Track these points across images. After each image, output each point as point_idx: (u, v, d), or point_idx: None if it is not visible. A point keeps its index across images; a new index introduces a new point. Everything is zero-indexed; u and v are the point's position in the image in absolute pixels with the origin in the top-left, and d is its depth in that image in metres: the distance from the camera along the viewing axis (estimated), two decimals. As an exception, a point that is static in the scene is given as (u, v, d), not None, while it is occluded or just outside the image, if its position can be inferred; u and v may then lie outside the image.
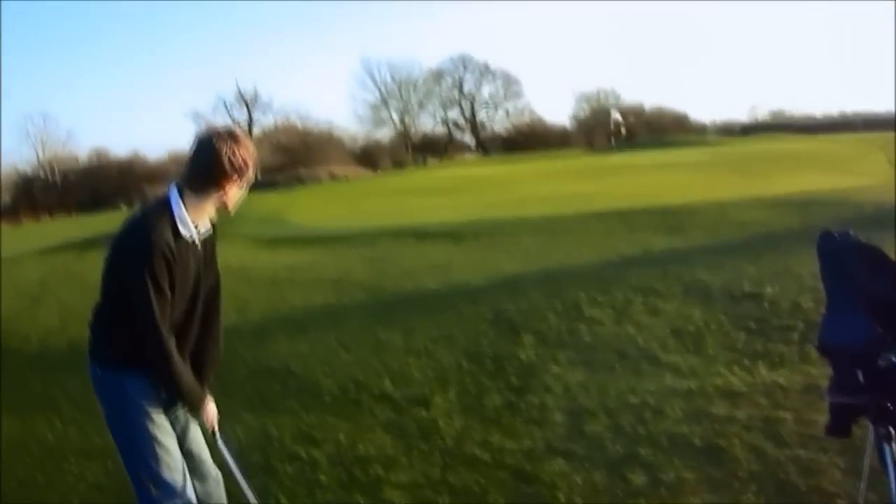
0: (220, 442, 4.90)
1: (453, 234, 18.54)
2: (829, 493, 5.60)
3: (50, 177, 73.61)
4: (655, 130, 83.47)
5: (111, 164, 75.86)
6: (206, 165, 4.40)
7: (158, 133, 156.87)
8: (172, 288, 4.36)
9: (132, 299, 4.31)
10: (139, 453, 4.53)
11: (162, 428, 4.58)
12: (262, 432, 7.61)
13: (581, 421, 7.24)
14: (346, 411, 8.05)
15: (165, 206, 4.40)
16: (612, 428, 7.04)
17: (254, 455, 6.74)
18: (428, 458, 6.73)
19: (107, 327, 4.60)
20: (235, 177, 4.43)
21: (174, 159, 77.10)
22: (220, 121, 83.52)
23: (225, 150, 4.36)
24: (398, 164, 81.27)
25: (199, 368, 4.76)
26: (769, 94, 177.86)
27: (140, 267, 4.25)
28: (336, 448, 7.15)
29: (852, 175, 24.40)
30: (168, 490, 4.54)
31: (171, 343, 4.41)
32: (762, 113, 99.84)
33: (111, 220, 37.63)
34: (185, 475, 4.64)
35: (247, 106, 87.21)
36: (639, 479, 6.05)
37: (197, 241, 4.52)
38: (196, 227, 4.49)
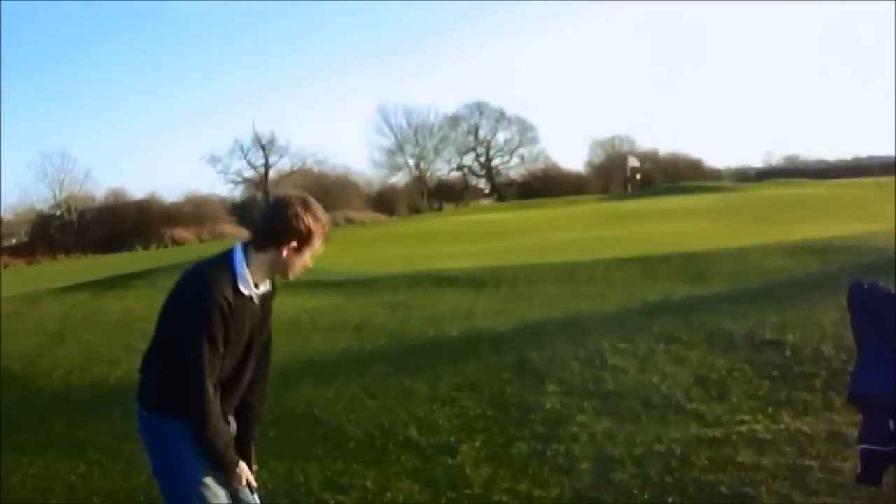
0: (255, 499, 4.93)
1: (474, 281, 18.59)
2: (856, 540, 5.64)
3: (67, 215, 73.98)
4: (670, 176, 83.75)
5: (128, 204, 76.29)
6: (271, 224, 4.50)
7: (176, 175, 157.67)
8: (226, 344, 4.42)
9: (186, 351, 4.36)
10: (187, 498, 4.55)
11: (211, 473, 4.61)
12: (288, 479, 7.66)
13: (608, 469, 7.28)
14: (372, 458, 8.10)
15: (228, 260, 4.48)
16: (639, 476, 7.08)
17: (282, 502, 6.79)
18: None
19: (157, 373, 4.62)
20: (295, 241, 4.48)
21: (191, 201, 77.66)
22: (238, 164, 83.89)
23: (291, 213, 4.45)
24: (414, 210, 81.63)
25: (243, 426, 4.85)
26: (782, 138, 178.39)
27: (198, 320, 4.32)
28: (364, 495, 7.21)
29: (870, 220, 24.38)
30: None
31: (216, 402, 4.45)
32: (776, 158, 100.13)
33: (128, 261, 37.89)
34: None
35: (263, 149, 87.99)
36: (668, 527, 6.10)
37: (255, 299, 4.57)
38: (256, 284, 4.55)
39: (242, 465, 4.74)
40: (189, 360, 4.36)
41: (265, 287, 4.66)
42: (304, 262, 4.60)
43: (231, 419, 4.78)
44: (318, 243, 4.57)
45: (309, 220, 4.48)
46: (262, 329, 4.76)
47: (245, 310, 4.51)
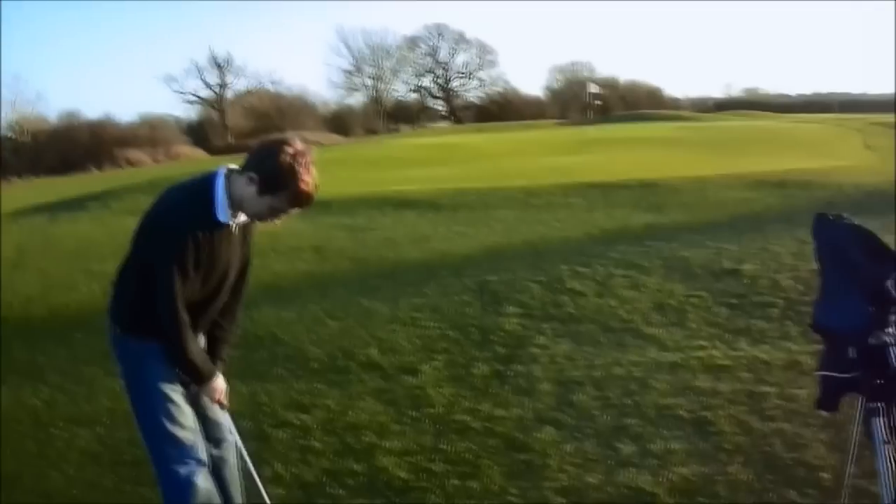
0: (227, 417, 4.99)
1: (432, 204, 18.57)
2: (813, 465, 5.76)
3: (19, 138, 72.68)
4: (629, 104, 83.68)
5: (82, 126, 75.09)
6: (259, 157, 4.38)
7: (131, 96, 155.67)
8: (198, 269, 4.40)
9: (156, 278, 4.34)
10: (154, 413, 4.58)
11: (177, 390, 4.65)
12: (251, 400, 7.67)
13: (569, 391, 7.38)
14: (334, 379, 8.13)
15: (208, 188, 4.39)
16: (599, 399, 7.19)
17: (245, 422, 6.79)
18: (419, 426, 6.84)
19: (129, 293, 4.60)
20: (270, 180, 4.33)
21: (146, 122, 76.68)
22: (193, 85, 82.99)
23: (283, 154, 4.31)
24: (370, 131, 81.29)
25: (214, 345, 4.88)
26: (743, 70, 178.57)
27: (169, 249, 4.29)
28: (327, 414, 7.25)
29: (829, 156, 24.53)
30: (181, 449, 4.60)
31: (186, 323, 4.44)
32: (736, 90, 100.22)
33: (82, 184, 37.58)
34: (198, 435, 4.71)
35: (220, 69, 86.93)
36: (628, 448, 6.20)
37: (233, 227, 4.52)
38: (235, 213, 4.47)
39: (220, 378, 4.79)
40: (159, 287, 4.34)
41: (245, 214, 4.57)
42: (268, 205, 4.42)
43: (201, 336, 4.79)
44: (283, 198, 4.39)
45: (287, 169, 4.31)
46: (240, 255, 4.73)
47: (221, 238, 4.47)
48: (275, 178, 4.30)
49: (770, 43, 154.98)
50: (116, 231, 17.75)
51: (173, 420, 4.58)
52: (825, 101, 78.08)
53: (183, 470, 4.60)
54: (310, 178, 4.34)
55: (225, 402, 4.86)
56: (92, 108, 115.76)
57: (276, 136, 4.57)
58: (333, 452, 6.50)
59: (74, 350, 9.66)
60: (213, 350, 4.84)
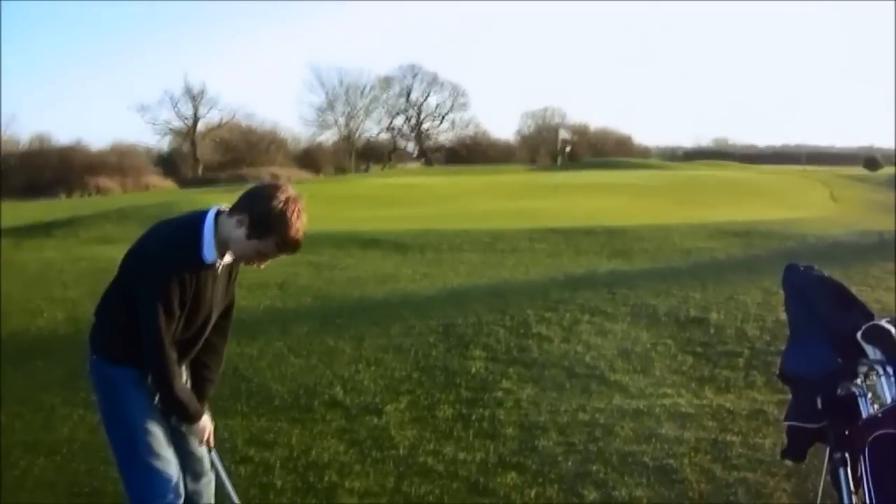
0: (214, 457, 4.96)
1: (398, 245, 18.63)
2: (776, 515, 5.75)
3: (-12, 159, 72.07)
4: (599, 151, 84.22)
5: (52, 150, 74.79)
6: (259, 215, 4.34)
7: (102, 124, 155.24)
8: (183, 307, 4.38)
9: (141, 313, 4.33)
10: (130, 443, 4.54)
11: (157, 421, 4.60)
12: (214, 435, 7.62)
13: (533, 436, 7.35)
14: (297, 416, 8.08)
15: (197, 226, 4.39)
16: (563, 444, 7.16)
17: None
18: (382, 467, 6.79)
19: (111, 321, 4.59)
20: (260, 223, 4.33)
21: (116, 150, 76.44)
22: (166, 115, 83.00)
23: (276, 199, 4.31)
24: (340, 170, 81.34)
25: (199, 384, 4.85)
26: (713, 121, 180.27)
27: (155, 284, 4.28)
28: (289, 452, 7.18)
29: (794, 207, 24.76)
30: (159, 482, 4.55)
31: (173, 361, 4.44)
32: (705, 140, 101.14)
33: (49, 208, 37.30)
34: (175, 467, 4.66)
35: (193, 101, 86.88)
36: (592, 495, 6.18)
37: (219, 267, 4.52)
38: (222, 253, 4.47)
39: (207, 417, 4.77)
40: (144, 322, 4.33)
41: (231, 255, 4.57)
42: (256, 248, 4.42)
43: (185, 372, 4.77)
44: (271, 243, 4.39)
45: (297, 230, 4.34)
46: (225, 294, 4.72)
47: (206, 277, 4.46)
48: (265, 223, 4.31)
49: (740, 95, 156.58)
50: (82, 258, 17.68)
51: (150, 451, 4.54)
52: (793, 153, 78.93)
53: (156, 502, 4.56)
54: (300, 225, 4.35)
55: (212, 441, 4.84)
56: (63, 132, 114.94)
57: (269, 180, 4.66)
58: (294, 491, 6.45)
59: (34, 377, 9.57)
60: (198, 389, 4.81)
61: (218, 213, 4.44)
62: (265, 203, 4.30)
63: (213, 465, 4.96)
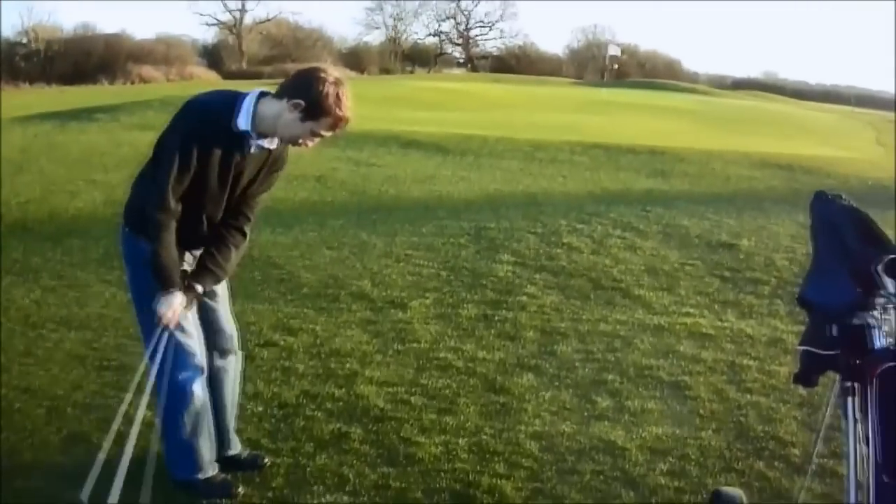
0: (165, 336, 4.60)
1: (439, 147, 18.68)
2: (784, 441, 5.82)
3: (33, 44, 71.76)
4: (647, 72, 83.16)
5: (97, 37, 74.29)
6: (296, 81, 4.43)
7: (149, 13, 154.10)
8: (205, 180, 4.40)
9: (156, 158, 4.41)
10: (152, 315, 4.51)
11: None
12: (240, 318, 7.65)
13: (553, 341, 7.46)
14: (323, 305, 8.20)
15: (237, 97, 4.43)
16: (581, 351, 7.27)
17: (232, 339, 6.85)
18: (402, 359, 6.91)
19: (140, 191, 4.60)
20: (304, 104, 4.34)
21: (161, 40, 76.01)
22: (213, 7, 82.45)
23: (319, 80, 4.35)
24: (385, 71, 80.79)
25: (197, 267, 4.73)
26: (765, 54, 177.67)
27: (177, 138, 4.31)
28: (313, 339, 7.32)
29: (839, 147, 24.53)
30: (181, 355, 4.60)
31: (169, 219, 4.40)
32: (755, 71, 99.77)
33: (92, 95, 37.45)
34: (198, 341, 4.73)
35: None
36: (605, 402, 6.26)
37: (252, 143, 4.46)
38: (261, 133, 4.46)
39: (177, 297, 4.52)
40: (157, 171, 4.38)
41: (272, 143, 4.55)
42: (310, 129, 4.43)
43: (189, 255, 4.76)
44: (325, 124, 4.42)
45: (331, 96, 4.33)
46: (256, 179, 4.66)
47: (233, 147, 4.44)
48: (319, 105, 4.34)
49: (794, 30, 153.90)
50: (123, 143, 17.78)
51: (176, 325, 4.55)
52: (842, 94, 77.68)
53: (181, 376, 4.63)
54: (349, 104, 4.41)
55: (170, 324, 4.51)
56: (108, 23, 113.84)
57: (312, 64, 4.60)
58: (315, 376, 6.56)
59: (70, 255, 9.74)
60: (195, 273, 4.71)
61: (261, 95, 4.46)
62: (316, 86, 4.33)
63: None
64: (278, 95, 4.43)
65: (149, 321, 4.56)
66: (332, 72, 4.43)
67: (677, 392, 6.54)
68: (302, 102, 4.34)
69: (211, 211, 4.63)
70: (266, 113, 4.42)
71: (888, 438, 3.78)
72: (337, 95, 4.35)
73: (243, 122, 4.40)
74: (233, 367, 5.11)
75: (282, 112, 4.39)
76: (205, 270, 4.72)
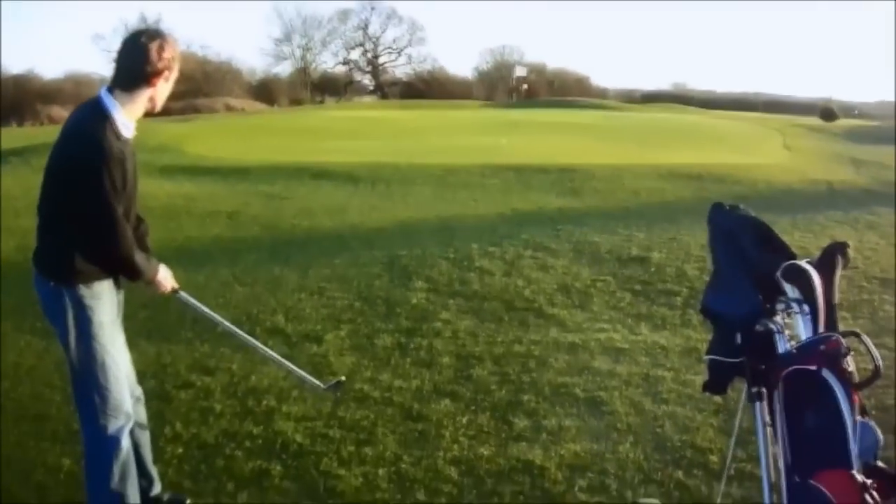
0: (183, 295, 5.18)
1: (350, 177, 18.74)
2: (701, 448, 5.93)
3: (-61, 87, 70.60)
4: (556, 91, 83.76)
5: (6, 79, 73.30)
6: (136, 64, 4.47)
7: (57, 53, 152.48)
8: (125, 188, 4.46)
9: (92, 210, 4.38)
10: (90, 366, 4.58)
11: (116, 343, 4.69)
12: (157, 360, 7.70)
13: (468, 366, 7.52)
14: (239, 343, 8.12)
15: (102, 111, 4.47)
16: (497, 374, 7.33)
17: (149, 382, 6.78)
18: (319, 393, 6.91)
19: (63, 239, 4.55)
20: (166, 72, 4.53)
21: (71, 79, 75.05)
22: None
23: (153, 47, 4.46)
24: (295, 102, 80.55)
25: (140, 240, 4.83)
26: (672, 65, 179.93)
27: (98, 179, 4.31)
28: (230, 378, 7.29)
29: (748, 154, 24.95)
30: (113, 405, 4.64)
31: (129, 234, 4.53)
32: (664, 83, 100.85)
33: (2, 138, 36.71)
34: (130, 385, 4.79)
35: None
36: (522, 423, 6.32)
37: (131, 140, 4.60)
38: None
39: (163, 270, 4.88)
40: (98, 215, 4.39)
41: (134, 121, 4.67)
42: (168, 89, 4.66)
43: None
44: (177, 68, 4.63)
45: (170, 49, 4.54)
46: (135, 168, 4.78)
47: (128, 151, 4.53)
48: (166, 67, 4.58)
49: (700, 40, 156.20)
50: (34, 187, 17.45)
51: (109, 375, 4.61)
52: (750, 101, 78.89)
53: (111, 426, 4.64)
54: (174, 43, 4.67)
55: (176, 284, 5.03)
56: (16, 63, 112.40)
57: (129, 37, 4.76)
58: (233, 415, 6.55)
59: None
60: (141, 245, 4.80)
61: (111, 90, 4.56)
62: (138, 52, 4.51)
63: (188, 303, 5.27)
64: (133, 86, 4.55)
65: (83, 369, 4.61)
66: (145, 31, 4.66)
67: (594, 408, 6.62)
68: (166, 74, 4.58)
69: (134, 205, 4.77)
70: (132, 108, 4.57)
71: (796, 439, 3.86)
72: (172, 45, 4.60)
73: (126, 133, 4.54)
74: (142, 410, 5.12)
75: (151, 94, 4.59)
76: (145, 237, 4.97)
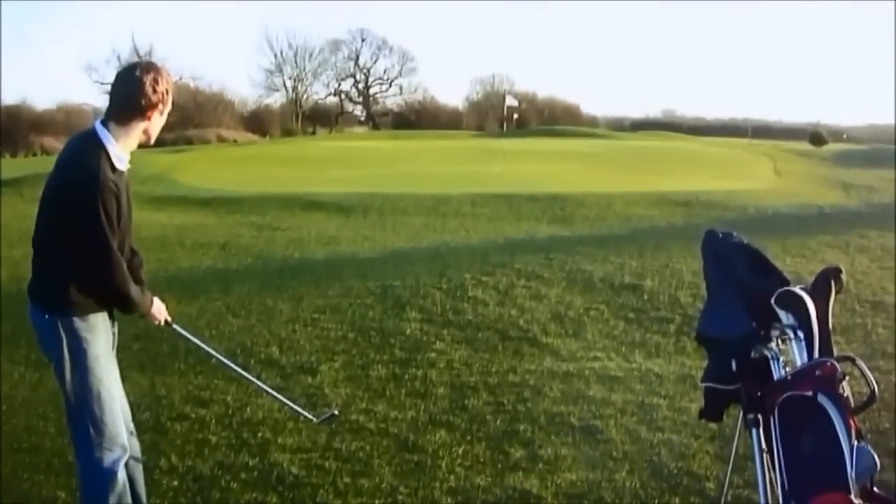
0: (177, 328, 5.28)
1: (342, 207, 18.78)
2: (698, 475, 5.93)
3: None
4: (547, 119, 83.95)
5: (-1, 109, 73.35)
6: (130, 97, 4.50)
7: (50, 84, 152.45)
8: (119, 220, 4.47)
9: (87, 240, 4.40)
10: (85, 398, 4.59)
11: (111, 375, 4.70)
12: (150, 392, 7.67)
13: (463, 396, 7.51)
14: (233, 375, 8.13)
15: (97, 142, 4.49)
16: (492, 404, 7.31)
17: (143, 414, 6.78)
18: (314, 425, 6.89)
19: (58, 270, 4.57)
20: (160, 105, 4.56)
21: (63, 110, 75.07)
22: (113, 75, 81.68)
23: (147, 80, 4.48)
24: (287, 132, 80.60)
25: (134, 273, 4.82)
26: (662, 92, 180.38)
27: (94, 208, 4.32)
28: (224, 409, 7.27)
29: (738, 179, 25.04)
30: (108, 436, 4.64)
31: (122, 264, 4.53)
32: (654, 111, 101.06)
33: (-6, 168, 36.65)
34: (122, 422, 4.77)
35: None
36: (518, 453, 6.31)
37: (122, 165, 4.61)
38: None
39: (157, 303, 4.95)
40: (93, 247, 4.41)
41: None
42: (162, 122, 4.69)
43: None
44: (171, 100, 4.65)
45: (164, 82, 4.57)
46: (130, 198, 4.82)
47: (122, 184, 4.55)
48: (151, 102, 4.58)
49: (689, 67, 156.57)
50: (26, 217, 17.49)
51: (104, 408, 4.61)
52: (740, 127, 79.04)
53: (107, 458, 4.65)
54: (167, 75, 4.72)
55: (168, 317, 5.11)
56: (8, 93, 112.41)
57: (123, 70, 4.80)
58: (228, 446, 6.52)
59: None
60: (134, 278, 4.80)
61: (106, 123, 4.58)
62: (132, 85, 4.54)
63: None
64: (127, 119, 4.59)
65: (78, 401, 4.62)
66: (138, 64, 4.75)
67: (589, 436, 6.61)
68: (160, 107, 4.62)
69: (128, 237, 4.79)
70: (126, 140, 4.60)
71: (792, 464, 3.86)
72: (166, 77, 4.65)
73: (121, 165, 4.57)
74: (135, 435, 5.09)
75: (145, 127, 4.63)
76: (138, 269, 4.96)
